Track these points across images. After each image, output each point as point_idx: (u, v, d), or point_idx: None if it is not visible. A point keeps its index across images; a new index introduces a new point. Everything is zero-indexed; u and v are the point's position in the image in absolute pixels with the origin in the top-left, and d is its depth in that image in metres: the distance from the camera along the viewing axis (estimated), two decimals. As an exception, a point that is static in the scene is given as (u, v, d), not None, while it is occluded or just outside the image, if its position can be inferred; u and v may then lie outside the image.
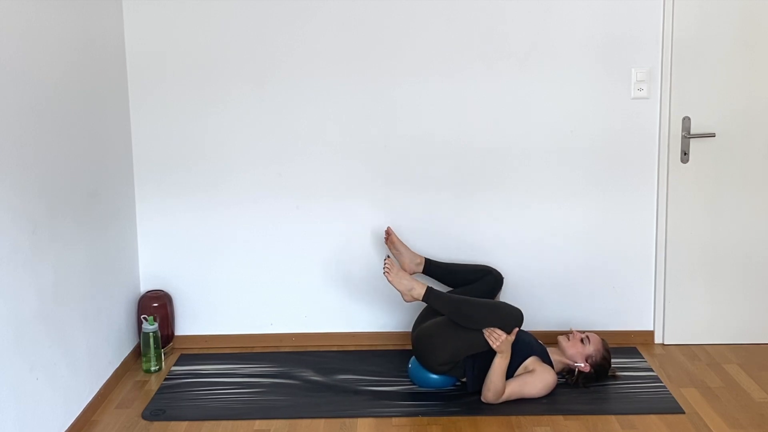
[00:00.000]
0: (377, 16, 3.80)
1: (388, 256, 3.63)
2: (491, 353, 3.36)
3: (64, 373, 3.12)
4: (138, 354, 3.86)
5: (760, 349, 3.94)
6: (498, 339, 3.28)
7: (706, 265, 3.95)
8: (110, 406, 3.44)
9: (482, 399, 3.37)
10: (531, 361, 3.44)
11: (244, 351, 4.00)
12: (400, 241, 3.81)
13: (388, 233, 3.81)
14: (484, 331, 3.31)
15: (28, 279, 2.84)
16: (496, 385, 3.32)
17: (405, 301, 3.52)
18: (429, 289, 3.46)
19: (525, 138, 3.90)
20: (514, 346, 3.43)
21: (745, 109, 3.83)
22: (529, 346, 3.49)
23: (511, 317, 3.33)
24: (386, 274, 3.49)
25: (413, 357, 3.59)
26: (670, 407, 3.35)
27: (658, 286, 4.00)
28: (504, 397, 3.34)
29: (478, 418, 3.27)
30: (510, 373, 3.41)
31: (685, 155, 3.87)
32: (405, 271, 3.63)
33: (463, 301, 3.44)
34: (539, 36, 3.82)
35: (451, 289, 3.75)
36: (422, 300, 3.46)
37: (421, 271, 3.80)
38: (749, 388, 3.53)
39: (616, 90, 3.85)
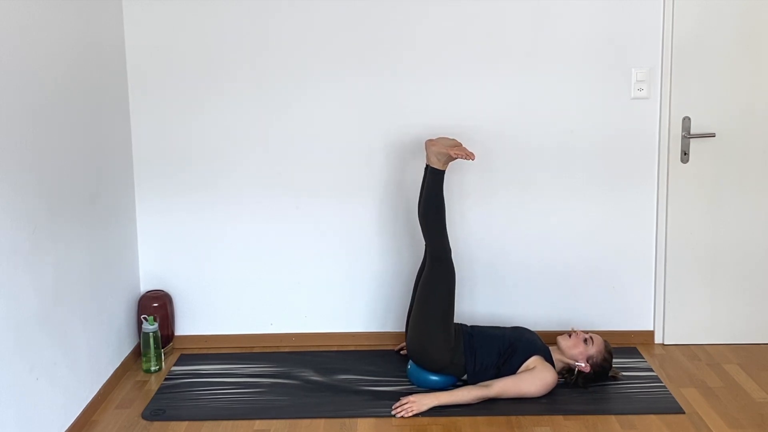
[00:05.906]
0: (378, 15, 3.80)
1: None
2: (490, 349, 3.44)
3: (64, 374, 3.11)
4: (138, 354, 3.86)
5: (760, 349, 3.94)
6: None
7: (706, 265, 3.95)
8: (110, 406, 3.44)
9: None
10: (533, 360, 3.44)
11: (244, 351, 3.99)
12: None
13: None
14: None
15: (28, 279, 2.84)
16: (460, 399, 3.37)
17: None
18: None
19: (524, 138, 3.90)
20: (518, 343, 3.47)
21: (745, 109, 3.83)
22: (533, 345, 3.49)
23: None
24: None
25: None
26: (670, 407, 3.35)
27: (658, 286, 4.00)
28: (499, 389, 3.34)
29: (478, 418, 3.27)
30: (512, 370, 3.43)
31: (685, 155, 3.86)
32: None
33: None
34: (539, 36, 3.82)
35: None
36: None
37: None
38: (749, 388, 3.53)
39: (616, 90, 3.85)
